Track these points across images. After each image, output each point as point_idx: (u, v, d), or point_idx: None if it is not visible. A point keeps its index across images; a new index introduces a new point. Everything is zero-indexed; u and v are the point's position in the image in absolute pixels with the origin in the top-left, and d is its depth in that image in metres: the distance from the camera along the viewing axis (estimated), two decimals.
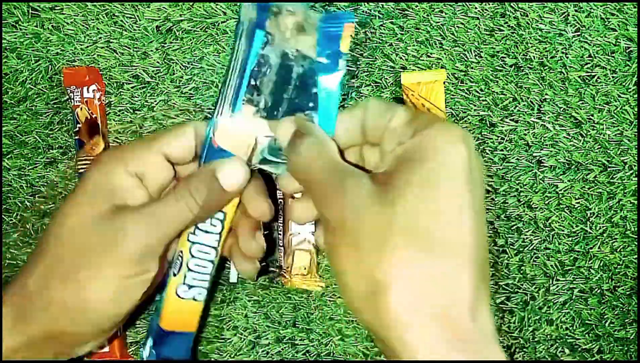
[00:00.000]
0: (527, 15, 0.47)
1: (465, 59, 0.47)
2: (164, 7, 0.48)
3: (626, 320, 0.47)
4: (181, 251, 0.38)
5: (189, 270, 0.38)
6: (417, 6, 0.47)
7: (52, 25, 0.48)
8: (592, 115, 0.47)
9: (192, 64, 0.48)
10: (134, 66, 0.48)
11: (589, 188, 0.47)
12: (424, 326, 0.25)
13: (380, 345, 0.27)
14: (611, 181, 0.47)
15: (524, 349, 0.47)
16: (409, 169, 0.27)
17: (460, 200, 0.26)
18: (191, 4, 0.47)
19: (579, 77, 0.47)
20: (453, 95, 0.47)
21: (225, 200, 0.37)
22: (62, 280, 0.34)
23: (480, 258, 0.26)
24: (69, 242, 0.35)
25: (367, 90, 0.48)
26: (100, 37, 0.48)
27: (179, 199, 0.36)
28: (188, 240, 0.38)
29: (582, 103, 0.47)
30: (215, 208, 0.38)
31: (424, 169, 0.27)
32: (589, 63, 0.47)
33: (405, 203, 0.26)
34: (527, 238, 0.47)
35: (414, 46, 0.47)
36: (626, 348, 0.47)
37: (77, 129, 0.47)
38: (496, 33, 0.47)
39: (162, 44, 0.48)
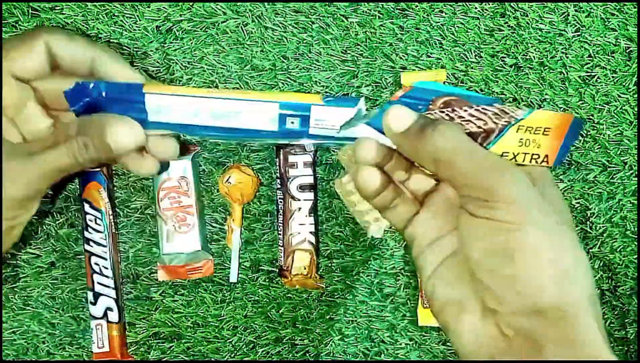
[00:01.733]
0: (527, 15, 0.47)
1: (465, 59, 0.47)
2: (164, 7, 0.48)
3: (626, 320, 0.47)
4: None
5: None
6: (417, 6, 0.47)
7: (52, 26, 0.48)
8: (592, 115, 0.47)
9: (192, 64, 0.48)
10: (134, 66, 0.48)
11: (589, 188, 0.47)
12: (593, 317, 0.29)
13: (529, 325, 0.29)
14: (611, 181, 0.47)
15: None
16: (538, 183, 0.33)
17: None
18: (191, 4, 0.47)
19: (579, 77, 0.47)
20: None
21: (107, 159, 0.36)
22: None
23: None
24: None
25: (367, 90, 0.48)
26: (100, 37, 0.48)
27: (69, 153, 0.35)
28: None
29: (582, 103, 0.47)
30: (106, 161, 0.38)
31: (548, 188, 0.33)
32: (589, 63, 0.47)
33: (561, 208, 0.33)
34: None
35: (414, 45, 0.47)
36: (626, 348, 0.47)
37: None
38: (496, 33, 0.47)
39: (162, 44, 0.48)
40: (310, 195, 0.47)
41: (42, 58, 0.35)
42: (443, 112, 0.33)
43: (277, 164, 0.47)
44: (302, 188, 0.47)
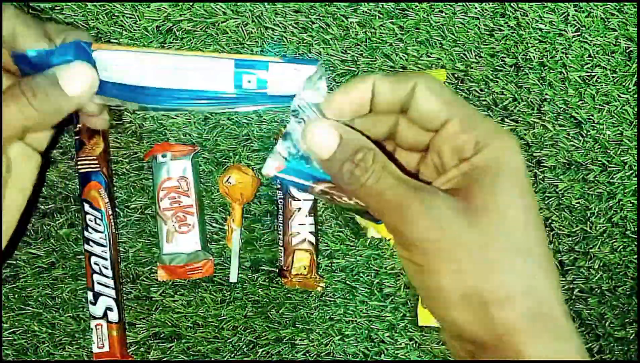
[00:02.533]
0: (527, 15, 0.47)
1: (465, 59, 0.47)
2: (164, 7, 0.48)
3: (626, 320, 0.47)
4: None
5: None
6: (417, 6, 0.47)
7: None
8: (592, 115, 0.47)
9: None
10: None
11: (589, 188, 0.47)
12: (537, 331, 0.27)
13: (473, 349, 0.28)
14: (611, 181, 0.47)
15: None
16: (488, 189, 0.28)
17: (533, 209, 0.28)
18: (191, 4, 0.47)
19: (579, 77, 0.47)
20: None
21: (68, 107, 0.33)
22: None
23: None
24: None
25: None
26: (100, 37, 0.48)
27: (10, 102, 0.32)
28: None
29: (582, 103, 0.47)
30: (55, 113, 0.33)
31: (501, 188, 0.28)
32: (589, 63, 0.47)
33: (496, 223, 0.27)
34: None
35: (414, 46, 0.47)
36: (626, 348, 0.47)
37: (77, 129, 0.47)
38: (496, 33, 0.47)
39: (162, 44, 0.48)
40: (310, 195, 0.47)
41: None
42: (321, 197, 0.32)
43: None
44: None
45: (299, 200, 0.47)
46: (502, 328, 0.27)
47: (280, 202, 0.47)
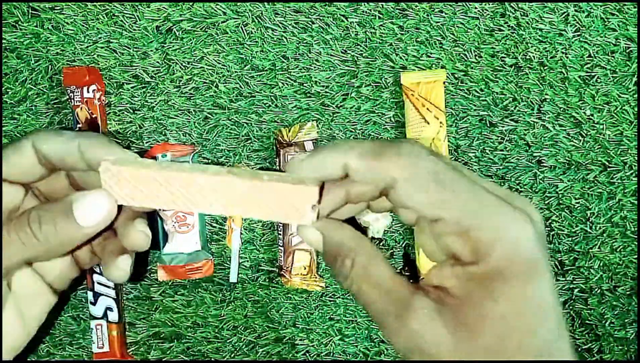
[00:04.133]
0: (527, 15, 0.47)
1: (465, 59, 0.47)
2: (164, 7, 0.48)
3: (626, 320, 0.47)
4: None
5: None
6: (417, 6, 0.47)
7: (52, 25, 0.48)
8: (592, 115, 0.47)
9: (192, 64, 0.48)
10: (134, 66, 0.48)
11: (589, 188, 0.47)
12: None
13: None
14: (611, 181, 0.47)
15: None
16: (481, 305, 0.25)
17: (551, 312, 0.25)
18: (191, 4, 0.47)
19: (579, 77, 0.47)
20: (453, 95, 0.47)
21: (78, 239, 0.30)
22: None
23: None
24: None
25: (367, 90, 0.48)
26: (100, 37, 0.48)
27: (12, 231, 0.30)
28: None
29: (582, 103, 0.47)
30: (61, 246, 0.30)
31: (502, 304, 0.24)
32: (589, 63, 0.47)
33: (485, 342, 0.24)
34: None
35: (414, 45, 0.47)
36: (626, 348, 0.47)
37: (77, 129, 0.47)
38: (496, 33, 0.47)
39: (162, 44, 0.48)
40: None
41: (30, 157, 0.32)
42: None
43: (277, 164, 0.47)
44: None
45: None
46: None
47: None
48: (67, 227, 0.30)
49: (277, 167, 0.47)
